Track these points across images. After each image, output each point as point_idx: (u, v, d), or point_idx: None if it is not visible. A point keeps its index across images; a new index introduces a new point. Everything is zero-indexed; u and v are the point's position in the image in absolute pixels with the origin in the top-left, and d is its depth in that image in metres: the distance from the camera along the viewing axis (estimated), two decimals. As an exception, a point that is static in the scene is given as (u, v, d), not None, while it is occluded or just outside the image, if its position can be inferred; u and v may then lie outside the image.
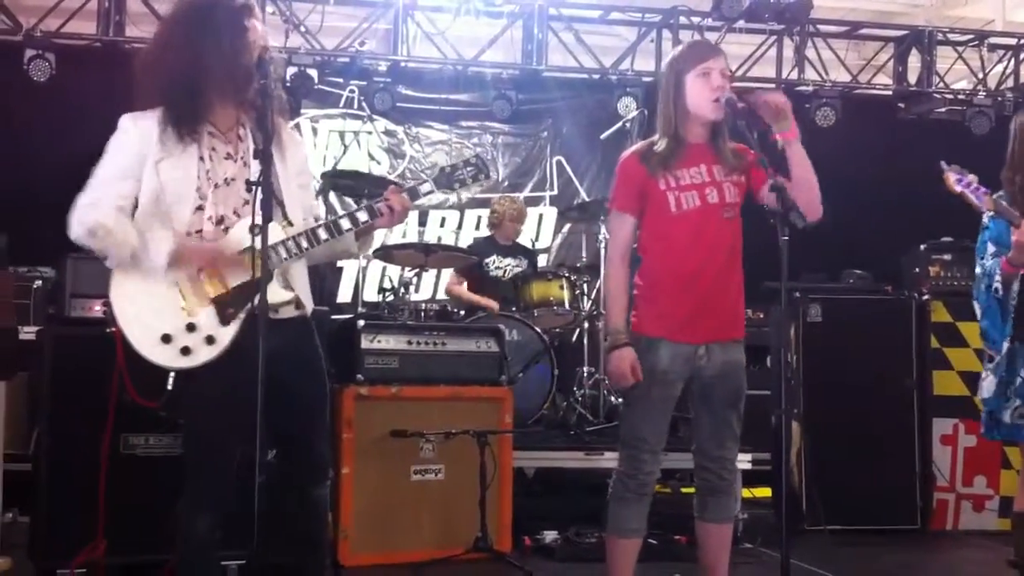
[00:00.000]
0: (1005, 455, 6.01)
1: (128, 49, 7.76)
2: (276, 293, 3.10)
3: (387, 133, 8.76)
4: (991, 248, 3.93)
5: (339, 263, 8.24)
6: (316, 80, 8.01)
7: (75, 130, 7.54)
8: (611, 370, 3.61)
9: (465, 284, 7.16)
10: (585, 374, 6.71)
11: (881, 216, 8.35)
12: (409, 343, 5.16)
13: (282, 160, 3.18)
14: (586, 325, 6.88)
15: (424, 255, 6.21)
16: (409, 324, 5.44)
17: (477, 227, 8.74)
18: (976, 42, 9.14)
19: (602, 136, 8.03)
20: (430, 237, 8.54)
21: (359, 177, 6.77)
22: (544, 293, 6.66)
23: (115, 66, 7.53)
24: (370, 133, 8.67)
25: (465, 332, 5.44)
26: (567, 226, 8.91)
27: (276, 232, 3.09)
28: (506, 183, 8.74)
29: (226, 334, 3.07)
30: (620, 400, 6.20)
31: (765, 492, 6.23)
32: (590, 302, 7.12)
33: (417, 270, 6.32)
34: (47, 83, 7.55)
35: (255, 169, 3.00)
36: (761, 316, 6.70)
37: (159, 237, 3.06)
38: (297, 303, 3.21)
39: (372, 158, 8.71)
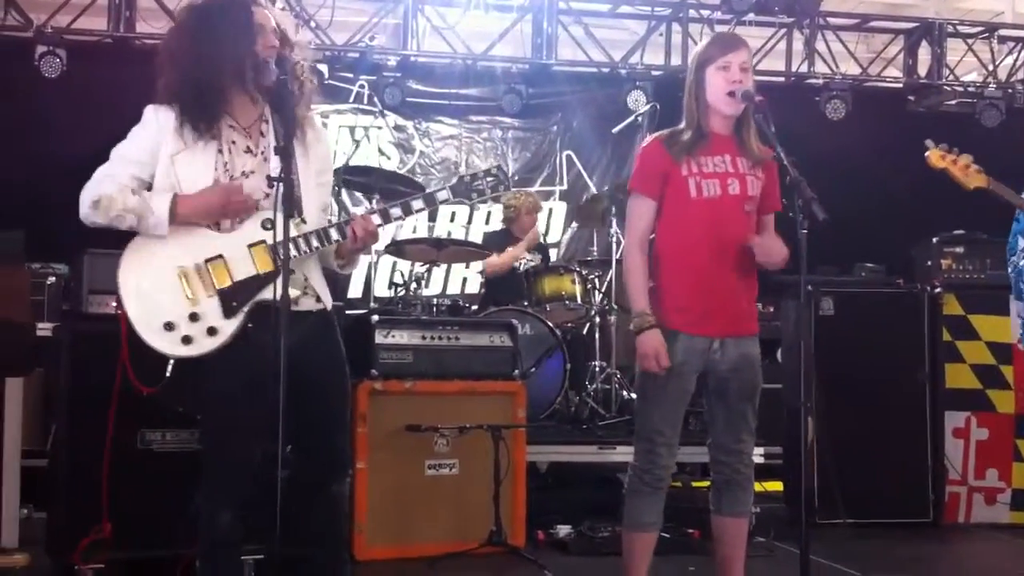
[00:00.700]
0: (1017, 448, 6.03)
1: (139, 45, 7.78)
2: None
3: (397, 128, 8.76)
4: (1022, 242, 3.87)
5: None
6: (326, 75, 8.01)
7: (86, 126, 7.56)
8: (642, 353, 3.57)
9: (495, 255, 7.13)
10: (597, 368, 6.72)
11: (892, 209, 8.35)
12: (423, 338, 5.17)
13: (305, 156, 3.19)
14: (597, 320, 6.88)
15: (436, 250, 6.21)
16: (423, 319, 5.44)
17: (487, 222, 8.74)
18: (986, 34, 9.12)
19: (614, 130, 8.02)
20: (439, 232, 8.53)
21: (371, 173, 6.75)
22: (556, 287, 6.67)
23: (126, 62, 7.57)
24: (380, 128, 8.67)
25: (478, 327, 5.45)
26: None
27: (290, 229, 3.09)
28: (516, 178, 8.72)
29: (228, 326, 3.08)
30: (633, 395, 6.25)
31: (776, 486, 6.22)
32: (601, 296, 7.12)
33: (429, 265, 6.34)
34: (58, 79, 7.55)
35: (275, 164, 3.02)
36: (771, 310, 6.69)
37: (159, 196, 3.09)
38: (316, 297, 3.23)
39: (382, 153, 8.71)
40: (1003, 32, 9.18)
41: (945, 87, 9.00)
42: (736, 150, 3.61)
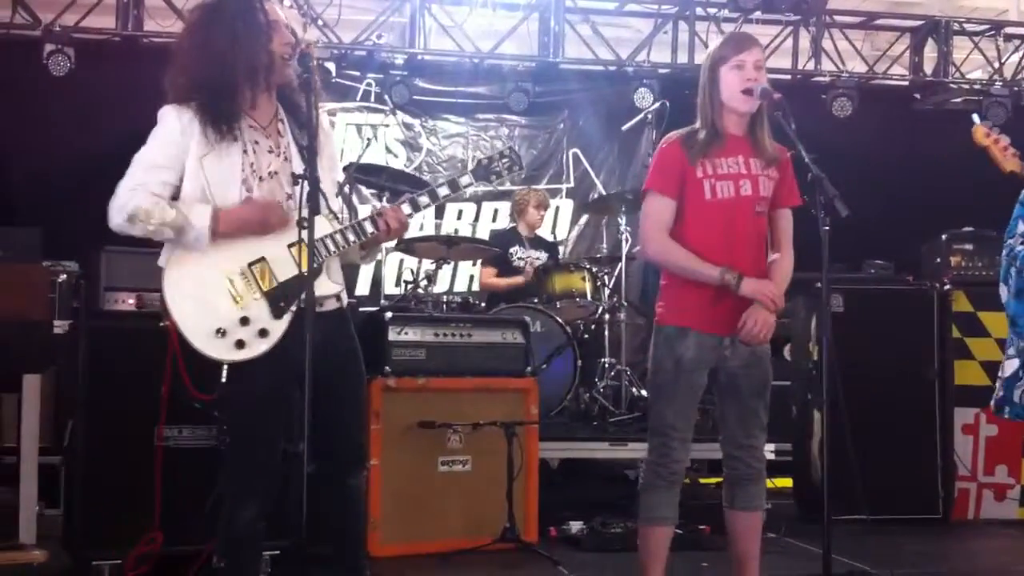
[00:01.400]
0: (1027, 444, 6.05)
1: (147, 43, 7.81)
2: (324, 286, 3.15)
3: (404, 126, 8.78)
4: (1021, 227, 3.84)
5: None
6: (334, 73, 8.05)
7: (94, 124, 7.60)
8: (762, 297, 3.53)
9: (496, 272, 7.20)
10: (607, 365, 6.74)
11: (899, 206, 8.34)
12: (436, 335, 5.19)
13: (320, 154, 3.20)
14: (607, 317, 6.90)
15: (446, 247, 6.23)
16: (435, 316, 5.46)
17: (494, 219, 8.75)
18: (992, 32, 9.15)
19: (624, 127, 8.04)
20: (447, 230, 8.55)
21: (381, 172, 6.76)
22: (566, 285, 6.69)
23: (134, 60, 7.59)
24: (387, 126, 8.68)
25: (491, 324, 5.46)
26: (584, 218, 8.92)
27: (324, 226, 3.12)
28: (523, 175, 8.74)
29: (279, 327, 3.10)
30: (643, 391, 6.27)
31: (786, 483, 6.24)
32: (611, 293, 7.14)
33: (438, 262, 6.35)
34: (66, 78, 7.57)
35: (296, 163, 3.03)
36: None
37: (198, 210, 3.07)
38: (338, 296, 3.25)
39: (389, 151, 8.72)
40: (1009, 30, 9.21)
41: (951, 85, 9.03)
42: (750, 151, 3.63)
